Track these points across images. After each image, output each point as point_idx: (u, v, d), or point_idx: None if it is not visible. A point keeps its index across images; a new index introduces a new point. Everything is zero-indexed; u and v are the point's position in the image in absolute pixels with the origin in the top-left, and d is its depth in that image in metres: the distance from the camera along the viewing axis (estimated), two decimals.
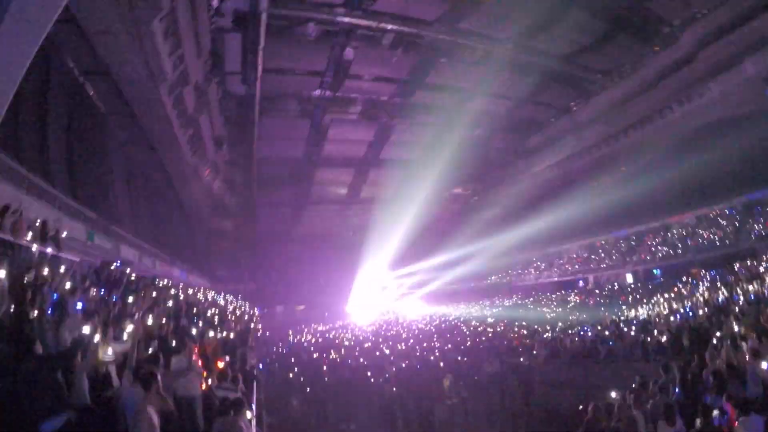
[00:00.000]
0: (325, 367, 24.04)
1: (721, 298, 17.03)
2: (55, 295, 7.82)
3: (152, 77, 21.56)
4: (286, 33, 30.84)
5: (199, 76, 28.71)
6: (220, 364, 9.34)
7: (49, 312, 7.07)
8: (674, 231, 39.51)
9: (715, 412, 7.46)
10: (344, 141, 46.51)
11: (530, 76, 38.46)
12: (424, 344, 27.16)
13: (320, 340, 34.63)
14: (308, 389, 22.08)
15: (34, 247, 10.29)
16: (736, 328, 11.00)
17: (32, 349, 5.44)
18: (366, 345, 29.25)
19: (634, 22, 33.14)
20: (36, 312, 6.80)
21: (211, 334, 11.85)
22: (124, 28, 17.45)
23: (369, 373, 21.53)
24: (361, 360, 24.77)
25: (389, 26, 31.24)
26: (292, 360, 28.23)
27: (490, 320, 33.77)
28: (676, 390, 9.52)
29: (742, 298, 15.21)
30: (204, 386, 7.78)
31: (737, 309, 13.98)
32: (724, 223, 34.65)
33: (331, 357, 26.71)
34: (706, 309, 15.98)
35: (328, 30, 31.26)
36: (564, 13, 31.30)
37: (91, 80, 20.77)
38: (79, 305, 7.87)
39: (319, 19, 30.22)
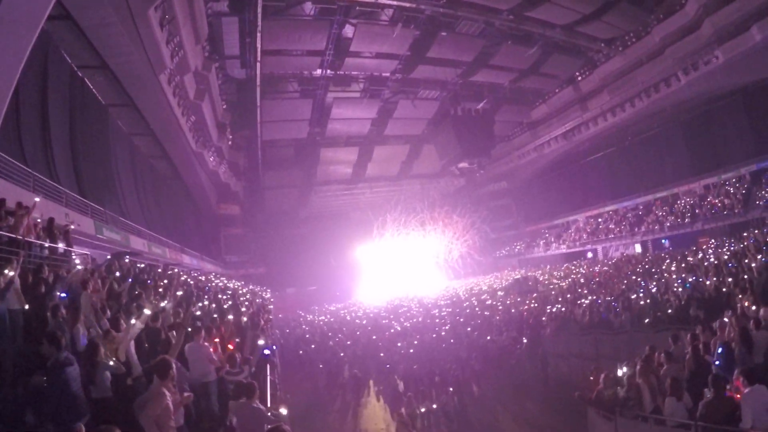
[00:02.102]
0: (342, 353, 24.42)
1: (729, 267, 16.96)
2: (65, 294, 7.91)
3: (151, 67, 21.54)
4: (284, 13, 30.57)
5: (198, 63, 28.64)
6: (230, 347, 9.48)
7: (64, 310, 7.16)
8: (682, 200, 39.23)
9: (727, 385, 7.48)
10: (347, 119, 46.38)
11: (532, 47, 37.99)
12: (437, 320, 27.45)
13: (332, 319, 34.95)
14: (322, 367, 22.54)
15: (45, 245, 10.44)
16: (745, 298, 10.96)
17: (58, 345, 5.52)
18: (383, 321, 29.52)
19: None
20: (51, 308, 6.93)
21: (224, 318, 12.02)
22: (119, 19, 17.39)
23: (381, 354, 21.89)
24: (374, 337, 25.10)
25: (387, 1, 30.76)
26: (307, 338, 28.70)
27: (500, 294, 33.91)
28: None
29: (752, 266, 15.13)
30: (218, 372, 7.94)
31: (746, 278, 13.90)
32: (732, 191, 34.31)
33: (340, 337, 27.05)
34: (714, 279, 15.93)
35: (325, 8, 30.90)
36: None
37: (90, 74, 20.69)
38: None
39: None
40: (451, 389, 16.95)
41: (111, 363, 6.04)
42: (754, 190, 32.87)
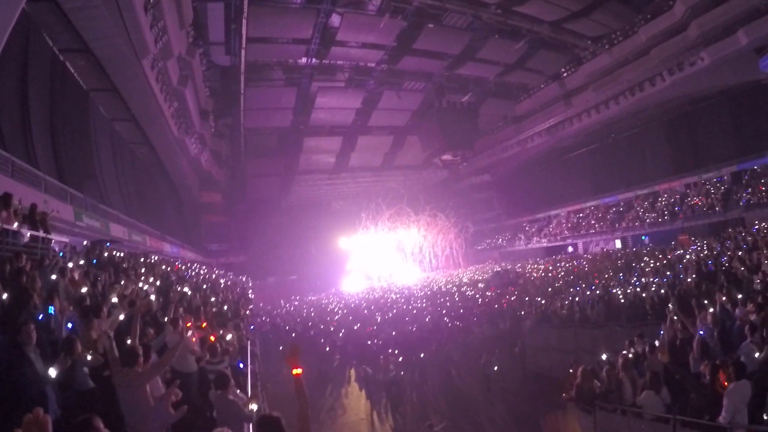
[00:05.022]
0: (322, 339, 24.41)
1: (710, 263, 17.30)
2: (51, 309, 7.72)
3: (134, 51, 21.14)
4: (271, 0, 30.22)
5: (182, 48, 28.19)
6: (212, 338, 9.39)
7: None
8: (663, 198, 39.83)
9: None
10: (332, 109, 46.15)
11: (519, 42, 38.04)
12: (415, 311, 27.50)
13: (312, 309, 34.87)
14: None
15: (26, 233, 10.21)
16: (725, 296, 11.16)
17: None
18: (363, 312, 29.48)
19: None
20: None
21: (206, 307, 11.95)
22: (103, 2, 17.00)
23: (368, 341, 21.96)
24: (355, 327, 25.09)
25: None
26: (287, 329, 28.63)
27: (480, 286, 34.12)
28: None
29: (729, 265, 15.46)
30: (199, 361, 7.85)
31: (724, 277, 14.17)
32: (712, 191, 34.93)
33: (322, 327, 27.02)
34: (693, 276, 16.20)
35: None
36: None
37: (71, 58, 20.27)
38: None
39: None
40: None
41: (89, 357, 5.94)
42: (734, 190, 33.52)
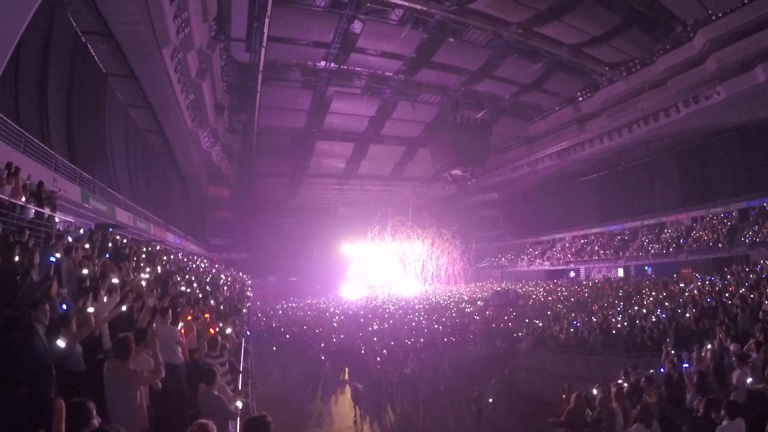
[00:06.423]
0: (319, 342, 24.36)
1: (710, 300, 17.18)
2: (53, 258, 7.76)
3: (156, 40, 21.32)
4: (294, 1, 30.43)
5: (203, 41, 28.39)
6: (211, 331, 9.34)
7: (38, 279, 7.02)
8: (669, 230, 39.71)
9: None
10: (346, 114, 46.26)
11: (537, 63, 38.15)
12: (413, 323, 27.40)
13: (309, 313, 34.83)
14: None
15: (31, 209, 10.25)
16: (723, 333, 11.08)
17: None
18: (360, 320, 29.40)
19: (647, 18, 32.68)
20: (26, 273, 6.79)
21: (206, 300, 11.92)
22: None
23: (362, 348, 21.91)
24: (355, 335, 25.04)
25: (399, 1, 30.67)
26: (282, 330, 28.62)
27: (479, 304, 33.96)
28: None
29: (731, 302, 15.37)
30: (191, 354, 7.79)
31: (724, 313, 14.08)
32: (719, 226, 34.81)
33: (318, 331, 27.00)
34: (693, 311, 16.09)
35: (336, 1, 30.82)
36: (578, 1, 30.82)
37: (93, 40, 20.52)
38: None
39: None
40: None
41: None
42: (740, 227, 33.37)
